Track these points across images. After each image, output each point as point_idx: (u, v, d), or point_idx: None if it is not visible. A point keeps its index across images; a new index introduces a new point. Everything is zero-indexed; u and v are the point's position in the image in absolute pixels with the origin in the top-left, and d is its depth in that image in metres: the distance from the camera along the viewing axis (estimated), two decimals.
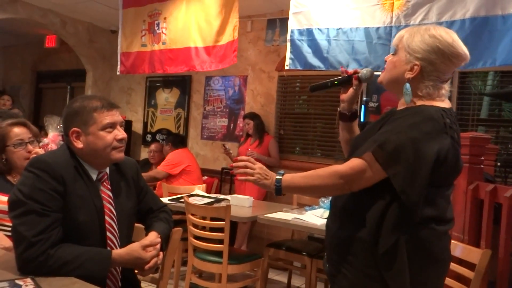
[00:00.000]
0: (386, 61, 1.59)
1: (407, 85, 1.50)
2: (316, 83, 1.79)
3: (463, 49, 1.49)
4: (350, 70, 1.75)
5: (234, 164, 1.57)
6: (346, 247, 1.50)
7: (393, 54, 1.57)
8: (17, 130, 2.09)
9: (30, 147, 2.08)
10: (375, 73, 1.69)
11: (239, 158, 1.58)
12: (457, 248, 2.14)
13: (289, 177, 1.52)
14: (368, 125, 1.66)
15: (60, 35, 6.43)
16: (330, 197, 3.25)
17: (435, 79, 1.49)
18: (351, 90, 1.72)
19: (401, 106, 1.56)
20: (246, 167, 1.55)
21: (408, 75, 1.49)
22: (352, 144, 1.67)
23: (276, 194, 1.53)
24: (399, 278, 1.41)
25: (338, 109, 1.79)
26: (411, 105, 1.51)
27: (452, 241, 2.03)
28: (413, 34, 1.51)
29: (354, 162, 1.44)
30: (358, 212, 1.48)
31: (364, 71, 1.70)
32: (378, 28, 3.40)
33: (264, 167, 1.57)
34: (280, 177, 1.51)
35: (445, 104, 1.50)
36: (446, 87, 1.52)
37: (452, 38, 1.48)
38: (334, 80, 1.75)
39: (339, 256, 1.53)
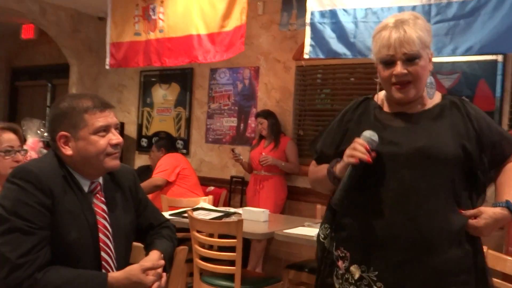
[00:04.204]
0: (400, 74, 1.56)
1: (431, 77, 1.63)
2: (335, 196, 1.60)
3: None
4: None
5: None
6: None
7: (412, 63, 1.56)
8: (6, 136, 2.13)
9: (19, 156, 2.12)
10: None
11: None
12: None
13: None
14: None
15: (39, 24, 6.51)
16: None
17: None
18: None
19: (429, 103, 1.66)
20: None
21: (430, 67, 1.63)
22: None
23: None
24: None
25: (331, 170, 1.66)
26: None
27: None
28: (419, 30, 1.57)
29: None
30: None
31: (371, 138, 1.56)
32: (414, 7, 3.40)
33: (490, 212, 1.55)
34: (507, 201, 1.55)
35: None
36: None
37: None
38: (351, 173, 1.56)
39: None
